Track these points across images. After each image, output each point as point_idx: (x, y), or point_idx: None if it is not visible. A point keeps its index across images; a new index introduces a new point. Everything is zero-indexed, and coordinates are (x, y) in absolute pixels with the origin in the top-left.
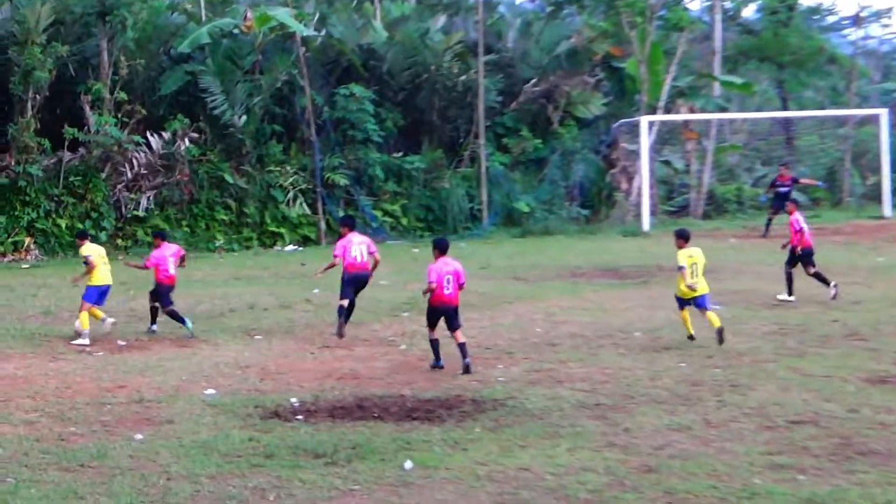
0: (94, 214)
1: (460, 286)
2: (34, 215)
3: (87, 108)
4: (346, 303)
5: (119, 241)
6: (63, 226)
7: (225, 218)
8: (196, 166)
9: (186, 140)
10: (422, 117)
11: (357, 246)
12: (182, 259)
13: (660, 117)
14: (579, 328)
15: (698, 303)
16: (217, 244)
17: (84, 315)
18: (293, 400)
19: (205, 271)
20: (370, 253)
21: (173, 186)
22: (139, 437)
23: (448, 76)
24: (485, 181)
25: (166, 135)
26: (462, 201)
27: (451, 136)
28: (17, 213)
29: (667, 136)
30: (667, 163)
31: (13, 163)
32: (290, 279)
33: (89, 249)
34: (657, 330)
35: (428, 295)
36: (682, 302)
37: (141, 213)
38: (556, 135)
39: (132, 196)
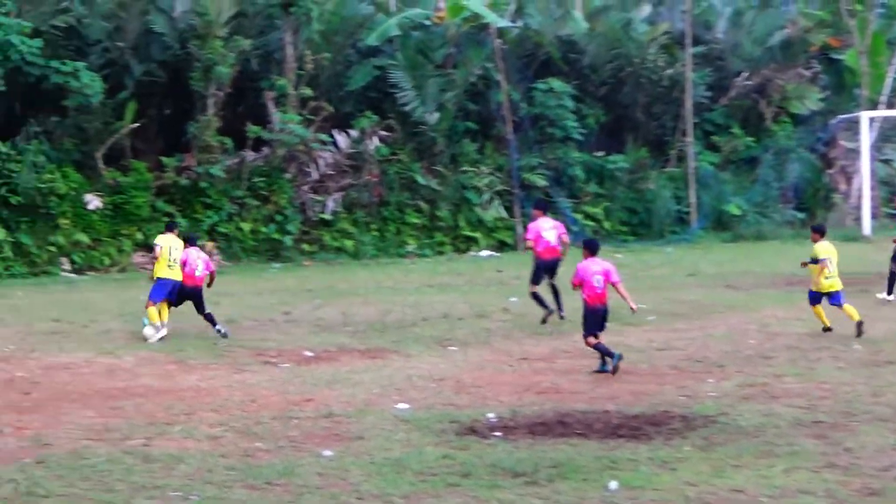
0: (278, 217)
1: (613, 284)
2: (216, 218)
3: (271, 105)
4: (537, 289)
5: (305, 247)
6: (246, 229)
7: (416, 221)
8: (385, 166)
9: (375, 138)
10: (625, 113)
11: (549, 231)
12: (211, 278)
13: (882, 113)
14: (795, 340)
15: (834, 299)
16: (408, 249)
17: (151, 310)
18: (490, 415)
19: (395, 278)
20: (560, 237)
21: (361, 188)
22: (328, 453)
23: (653, 69)
24: (693, 182)
25: (354, 133)
26: (668, 203)
27: (656, 133)
28: (198, 215)
29: (889, 133)
30: (888, 162)
31: (194, 163)
32: (485, 286)
33: (163, 239)
34: (878, 342)
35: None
36: (816, 297)
37: (327, 217)
38: (770, 132)
39: (318, 198)
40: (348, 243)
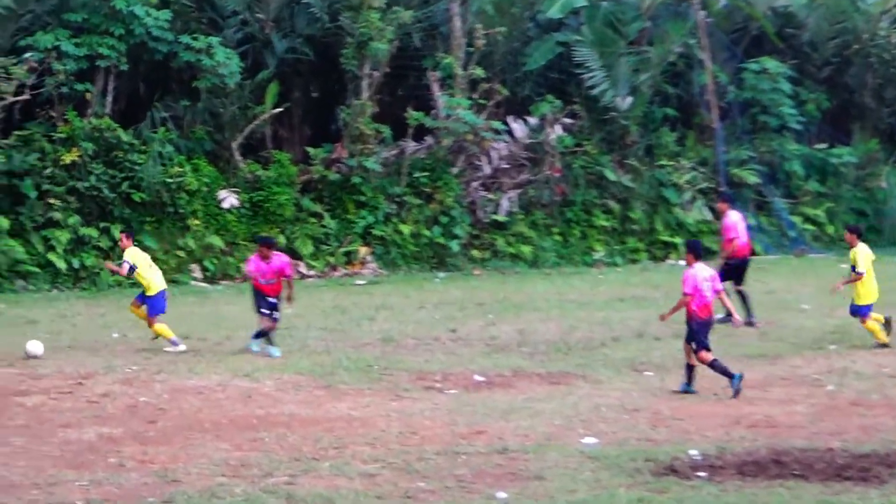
0: (443, 219)
1: (717, 292)
2: (371, 219)
3: (436, 88)
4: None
5: (474, 253)
6: (406, 233)
7: (605, 224)
8: (569, 159)
9: (558, 127)
10: (851, 99)
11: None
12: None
13: None
14: None
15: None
16: (595, 257)
17: (158, 326)
18: (693, 452)
19: (581, 290)
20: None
21: (541, 185)
22: (502, 495)
23: (885, 47)
24: None
25: (532, 120)
26: None
27: (888, 122)
28: (349, 216)
29: None
30: None
31: (346, 155)
32: None
33: (133, 255)
34: None
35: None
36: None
37: (501, 218)
38: None
39: (490, 196)
40: (525, 249)
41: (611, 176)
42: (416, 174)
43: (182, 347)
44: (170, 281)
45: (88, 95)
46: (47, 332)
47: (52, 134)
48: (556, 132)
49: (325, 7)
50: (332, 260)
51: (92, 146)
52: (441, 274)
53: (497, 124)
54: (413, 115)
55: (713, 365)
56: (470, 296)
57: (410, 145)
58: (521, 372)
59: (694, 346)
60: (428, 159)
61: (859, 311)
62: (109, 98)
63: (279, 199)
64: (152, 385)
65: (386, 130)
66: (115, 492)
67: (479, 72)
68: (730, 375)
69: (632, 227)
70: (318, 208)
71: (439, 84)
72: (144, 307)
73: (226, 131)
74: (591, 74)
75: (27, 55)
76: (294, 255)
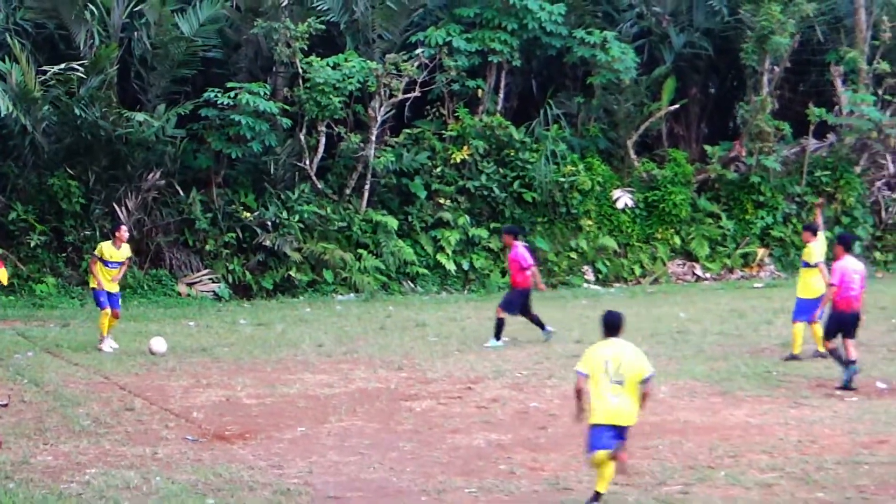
0: (844, 219)
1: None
2: (770, 220)
3: (839, 83)
4: None
5: (877, 255)
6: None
7: None
8: None
9: None
10: None
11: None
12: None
13: None
14: None
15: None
16: None
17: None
18: None
19: None
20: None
21: None
22: None
23: None
24: None
25: None
26: None
27: None
28: (748, 216)
29: None
30: None
31: (744, 153)
32: None
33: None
34: None
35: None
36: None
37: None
38: None
39: (895, 196)
40: None
41: None
42: (817, 173)
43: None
44: (562, 283)
45: (480, 92)
46: (435, 335)
47: (443, 132)
48: None
49: (725, 0)
50: (728, 262)
51: (483, 144)
52: None
53: None
54: (814, 112)
55: (832, 353)
56: (873, 300)
57: (812, 143)
58: None
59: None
60: (829, 157)
61: (808, 308)
62: (501, 95)
63: (675, 198)
64: (543, 390)
65: (786, 127)
66: (505, 499)
67: (884, 66)
68: (847, 363)
69: None
70: (714, 208)
71: (842, 79)
72: None
73: (620, 129)
74: None
75: (418, 51)
76: (690, 256)
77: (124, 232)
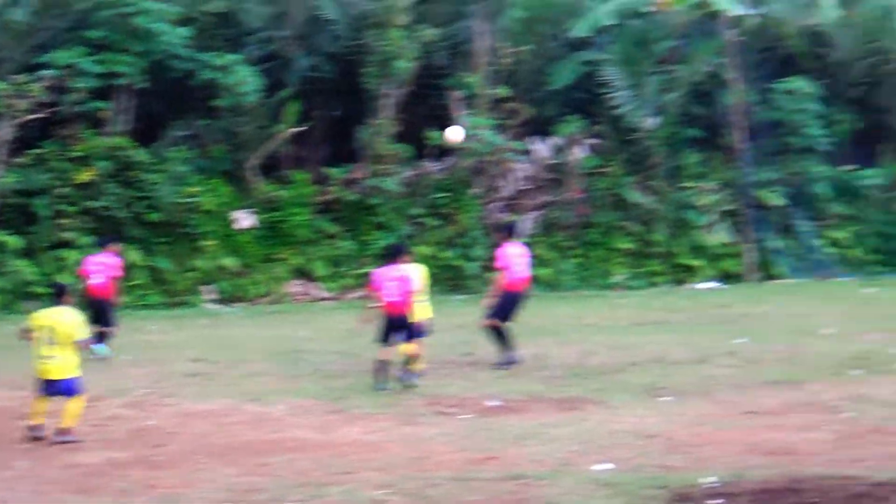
0: (462, 241)
1: None
2: (388, 241)
3: (458, 107)
4: None
5: (493, 275)
6: (425, 254)
7: (626, 246)
8: (592, 181)
9: (582, 147)
10: (881, 120)
11: None
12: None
13: None
14: None
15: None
16: (615, 280)
17: None
18: (709, 479)
19: (600, 314)
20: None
21: (563, 206)
22: None
23: None
24: None
25: (556, 141)
26: None
27: None
28: (366, 237)
29: None
30: None
31: (363, 176)
32: (707, 325)
33: None
34: None
35: None
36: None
37: (521, 239)
38: None
39: (511, 218)
40: (545, 272)
41: (633, 198)
42: (436, 195)
43: None
44: (182, 303)
45: (105, 114)
46: None
47: (68, 153)
48: (580, 152)
49: (349, 24)
50: (347, 282)
51: (108, 165)
52: (459, 296)
53: (519, 144)
54: (433, 136)
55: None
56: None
57: (430, 166)
58: (537, 397)
59: None
60: (448, 180)
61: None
62: (127, 116)
63: (295, 219)
64: (161, 409)
65: (407, 150)
66: None
67: (503, 91)
68: None
69: (652, 250)
70: (334, 229)
71: (461, 103)
72: None
73: (244, 151)
74: (616, 94)
75: (44, 72)
76: (310, 276)
77: None
